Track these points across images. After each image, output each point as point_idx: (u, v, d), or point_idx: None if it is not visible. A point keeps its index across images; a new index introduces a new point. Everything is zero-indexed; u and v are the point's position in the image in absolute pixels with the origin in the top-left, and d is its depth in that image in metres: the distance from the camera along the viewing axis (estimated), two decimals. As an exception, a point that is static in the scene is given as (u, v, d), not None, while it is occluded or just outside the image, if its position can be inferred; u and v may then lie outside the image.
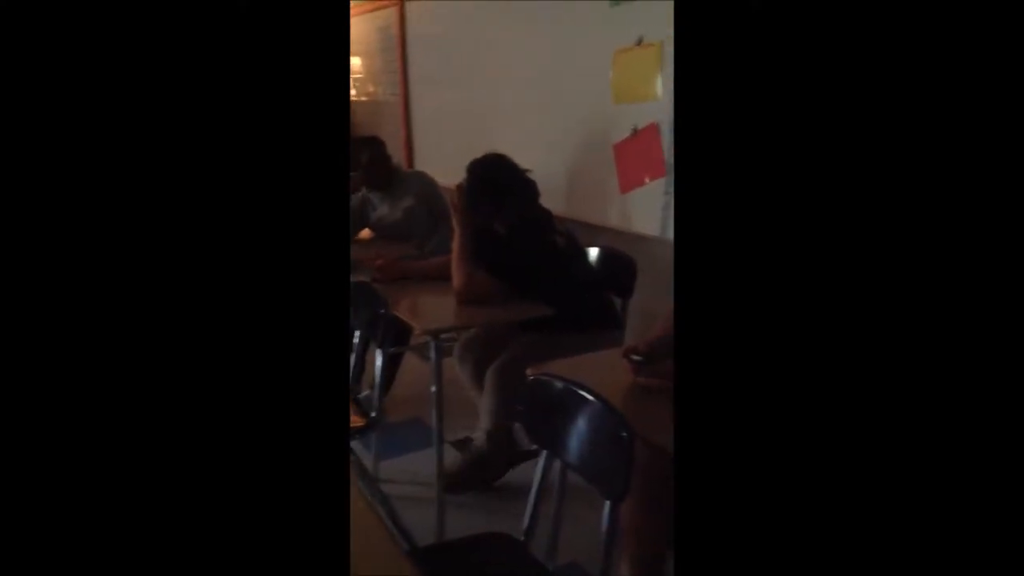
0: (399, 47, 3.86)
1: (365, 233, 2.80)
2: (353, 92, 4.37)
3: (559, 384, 1.17)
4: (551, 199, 2.08)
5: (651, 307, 2.35)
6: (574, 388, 1.14)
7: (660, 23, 2.14)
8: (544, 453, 1.25)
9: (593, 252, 2.19)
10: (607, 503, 1.07)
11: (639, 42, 2.24)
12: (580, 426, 1.13)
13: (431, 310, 1.90)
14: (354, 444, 2.08)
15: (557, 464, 1.29)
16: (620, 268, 2.11)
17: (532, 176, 2.00)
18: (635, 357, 1.27)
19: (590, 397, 1.10)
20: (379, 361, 2.15)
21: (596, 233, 2.46)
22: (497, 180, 1.95)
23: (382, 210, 2.68)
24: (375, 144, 2.64)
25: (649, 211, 2.30)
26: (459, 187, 1.95)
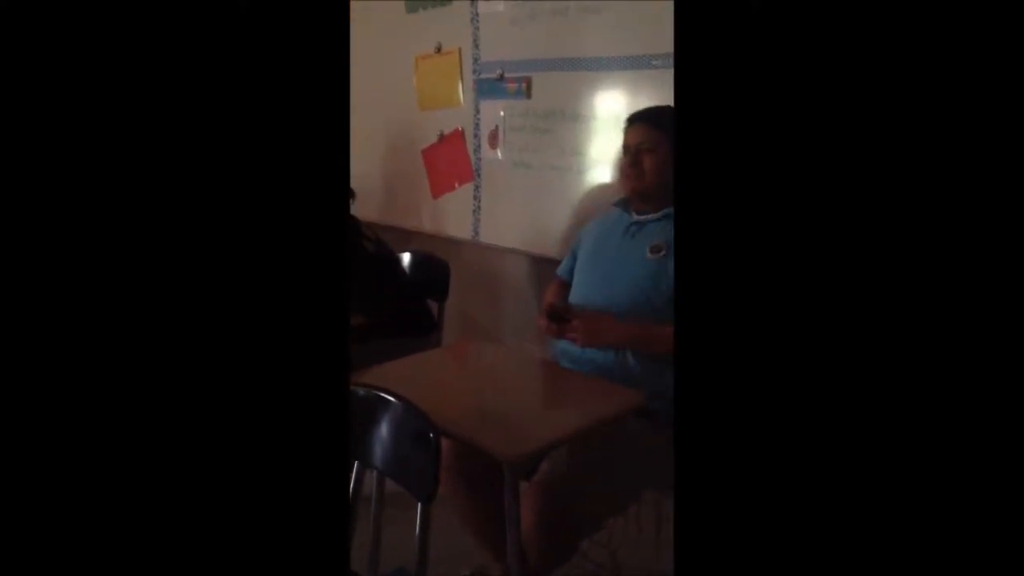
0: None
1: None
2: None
3: (362, 391, 1.16)
4: (364, 206, 2.06)
5: (466, 309, 2.40)
6: (377, 393, 1.13)
7: (455, 30, 2.19)
8: (356, 463, 1.23)
9: (406, 257, 2.19)
10: (419, 505, 1.08)
11: (438, 49, 2.28)
12: (386, 430, 1.12)
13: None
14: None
15: (373, 473, 1.27)
16: (434, 272, 2.13)
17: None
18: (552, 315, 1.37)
19: (393, 400, 1.10)
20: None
21: (410, 238, 2.47)
22: None
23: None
24: None
25: (461, 215, 2.34)
26: None
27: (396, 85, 2.44)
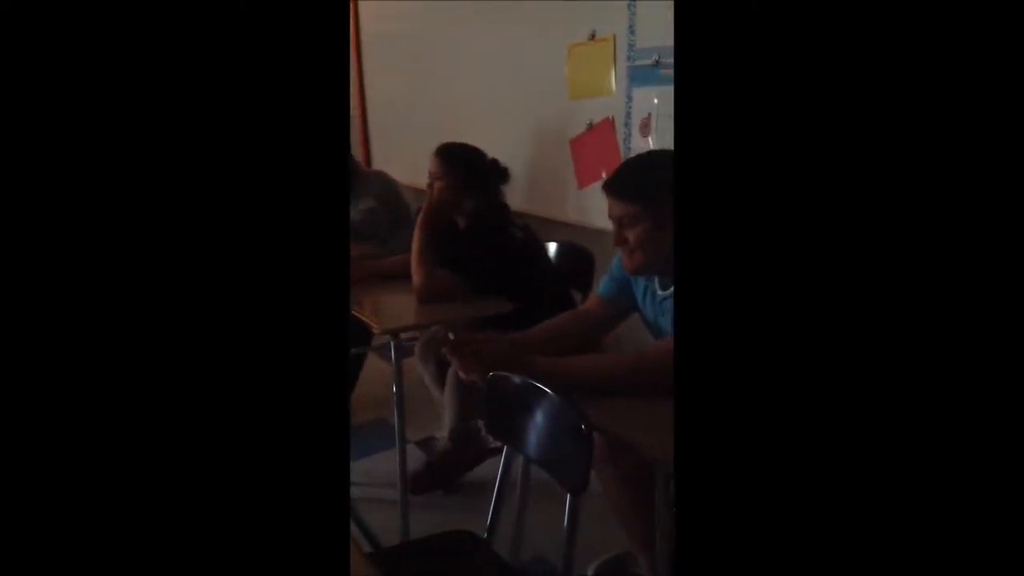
0: (354, 46, 3.81)
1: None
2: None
3: (517, 379, 1.17)
4: (509, 194, 2.08)
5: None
6: (532, 383, 1.14)
7: (611, 18, 2.15)
8: (505, 449, 1.25)
9: (552, 247, 2.19)
10: (568, 496, 1.08)
11: (592, 37, 2.25)
12: (539, 420, 1.13)
13: (391, 309, 1.88)
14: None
15: (520, 460, 1.29)
16: (579, 262, 2.12)
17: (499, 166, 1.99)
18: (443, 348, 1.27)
19: (548, 391, 1.11)
20: (339, 363, 2.13)
21: (554, 228, 2.47)
22: (473, 165, 1.93)
23: (341, 211, 2.62)
24: None
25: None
26: (433, 173, 1.92)
27: (546, 74, 2.44)
